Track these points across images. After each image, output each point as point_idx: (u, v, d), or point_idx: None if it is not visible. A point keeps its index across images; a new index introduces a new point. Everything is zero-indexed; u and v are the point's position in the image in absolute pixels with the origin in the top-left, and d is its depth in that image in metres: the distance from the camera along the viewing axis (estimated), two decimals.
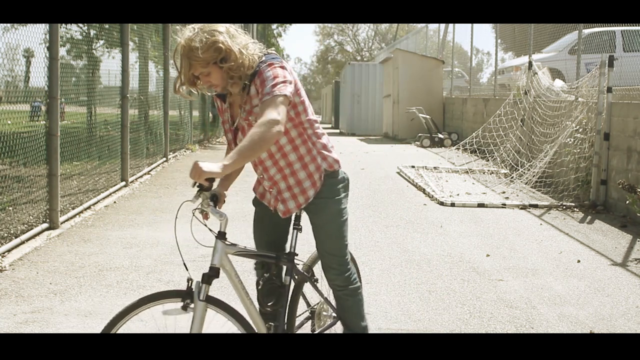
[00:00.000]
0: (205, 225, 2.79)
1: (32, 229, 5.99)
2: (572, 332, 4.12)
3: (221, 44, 2.71)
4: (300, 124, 2.88)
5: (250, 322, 2.84)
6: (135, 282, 4.86)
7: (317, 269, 3.23)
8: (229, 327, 2.78)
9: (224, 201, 3.02)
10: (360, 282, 3.53)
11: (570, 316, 4.38)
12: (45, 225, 6.20)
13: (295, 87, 2.80)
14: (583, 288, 4.99)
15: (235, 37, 2.77)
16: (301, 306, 3.27)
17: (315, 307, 3.31)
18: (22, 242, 5.69)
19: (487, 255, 5.83)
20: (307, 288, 3.24)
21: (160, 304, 2.70)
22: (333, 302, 3.26)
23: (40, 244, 5.81)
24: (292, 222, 3.06)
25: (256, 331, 2.87)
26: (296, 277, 3.10)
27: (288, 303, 3.05)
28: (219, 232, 2.72)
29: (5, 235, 5.65)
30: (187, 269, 2.79)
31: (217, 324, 2.84)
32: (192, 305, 2.65)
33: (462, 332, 4.06)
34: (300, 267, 3.16)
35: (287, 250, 3.06)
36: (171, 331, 2.89)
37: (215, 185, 2.87)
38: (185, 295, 2.65)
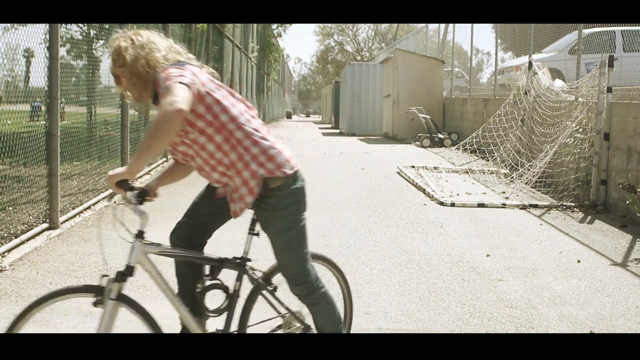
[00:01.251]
0: (123, 224, 2.75)
1: (32, 229, 5.99)
2: (572, 332, 4.12)
3: (120, 49, 2.83)
4: (223, 127, 2.76)
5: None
6: (135, 282, 4.84)
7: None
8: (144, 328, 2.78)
9: (156, 196, 2.98)
10: (343, 283, 3.35)
11: (570, 316, 4.38)
12: (45, 225, 6.20)
13: (205, 88, 2.75)
14: (583, 288, 4.99)
15: (143, 47, 2.83)
16: (271, 313, 3.17)
17: (286, 314, 3.18)
18: (22, 242, 5.69)
19: (487, 255, 5.83)
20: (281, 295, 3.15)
21: (71, 299, 2.72)
22: (300, 311, 3.18)
23: (40, 244, 5.81)
24: (248, 226, 2.98)
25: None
26: (255, 282, 3.02)
27: (235, 309, 2.95)
28: (138, 231, 2.71)
29: (5, 235, 5.65)
30: (105, 265, 2.78)
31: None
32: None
33: (462, 332, 4.06)
34: (259, 274, 3.05)
35: (242, 254, 2.98)
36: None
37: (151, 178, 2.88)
38: (98, 292, 2.65)
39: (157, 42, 2.87)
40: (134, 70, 2.82)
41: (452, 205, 8.19)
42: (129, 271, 2.67)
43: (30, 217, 6.25)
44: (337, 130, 27.58)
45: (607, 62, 8.22)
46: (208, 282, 2.93)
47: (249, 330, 3.10)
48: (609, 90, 8.23)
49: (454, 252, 5.93)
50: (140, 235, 2.71)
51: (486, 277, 5.19)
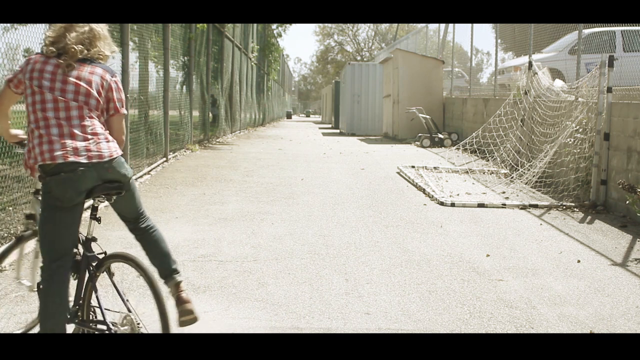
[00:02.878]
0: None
1: None
2: (572, 332, 4.12)
3: None
4: (28, 107, 3.18)
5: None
6: (135, 282, 4.85)
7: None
8: None
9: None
10: (148, 281, 3.18)
11: (570, 316, 4.39)
12: None
13: (24, 77, 3.17)
14: (583, 288, 4.99)
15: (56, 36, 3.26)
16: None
17: (131, 315, 3.09)
18: None
19: (487, 255, 5.83)
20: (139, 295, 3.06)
21: None
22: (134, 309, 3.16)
23: None
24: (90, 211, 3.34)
25: None
26: (92, 266, 3.21)
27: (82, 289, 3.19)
28: None
29: (6, 235, 5.65)
30: None
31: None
32: None
33: (462, 332, 4.06)
34: (96, 257, 3.25)
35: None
36: None
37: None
38: None
39: (68, 28, 3.27)
40: None
41: (452, 205, 8.19)
42: None
43: None
44: (337, 131, 27.58)
45: (607, 62, 8.22)
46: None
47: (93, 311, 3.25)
48: (609, 90, 8.24)
49: (454, 252, 5.93)
50: None
51: (486, 277, 5.20)
